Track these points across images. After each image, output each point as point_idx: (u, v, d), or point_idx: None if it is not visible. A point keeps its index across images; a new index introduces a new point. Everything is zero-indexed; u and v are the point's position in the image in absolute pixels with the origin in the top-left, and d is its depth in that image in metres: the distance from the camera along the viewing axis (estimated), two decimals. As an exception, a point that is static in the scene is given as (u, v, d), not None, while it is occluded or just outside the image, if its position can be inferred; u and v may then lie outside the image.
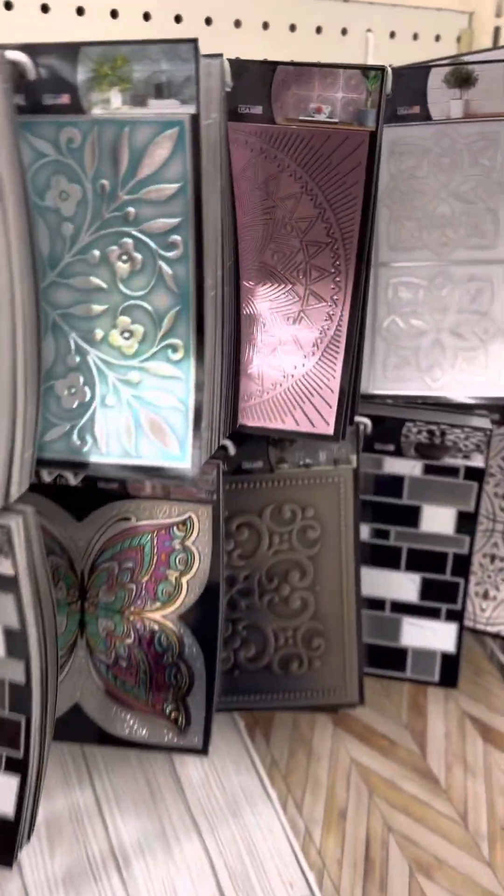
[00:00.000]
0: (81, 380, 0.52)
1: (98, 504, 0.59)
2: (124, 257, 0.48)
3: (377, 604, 0.72)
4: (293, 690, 0.67)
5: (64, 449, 0.53)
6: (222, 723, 0.75)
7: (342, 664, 0.66)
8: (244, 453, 0.62)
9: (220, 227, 0.51)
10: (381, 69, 0.52)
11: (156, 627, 0.62)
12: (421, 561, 0.70)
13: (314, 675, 0.66)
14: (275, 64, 0.52)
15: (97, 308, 0.50)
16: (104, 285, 0.49)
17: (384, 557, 0.71)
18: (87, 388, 0.52)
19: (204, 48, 0.45)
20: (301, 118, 0.53)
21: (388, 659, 0.73)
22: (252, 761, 0.72)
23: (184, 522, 0.59)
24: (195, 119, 0.45)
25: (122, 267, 0.49)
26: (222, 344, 0.55)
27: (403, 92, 0.58)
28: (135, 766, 0.69)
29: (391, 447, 0.67)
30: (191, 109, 0.45)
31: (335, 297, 0.57)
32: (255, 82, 0.52)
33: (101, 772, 0.68)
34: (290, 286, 0.57)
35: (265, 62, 0.52)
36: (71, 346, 0.51)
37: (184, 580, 0.61)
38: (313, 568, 0.65)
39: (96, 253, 0.49)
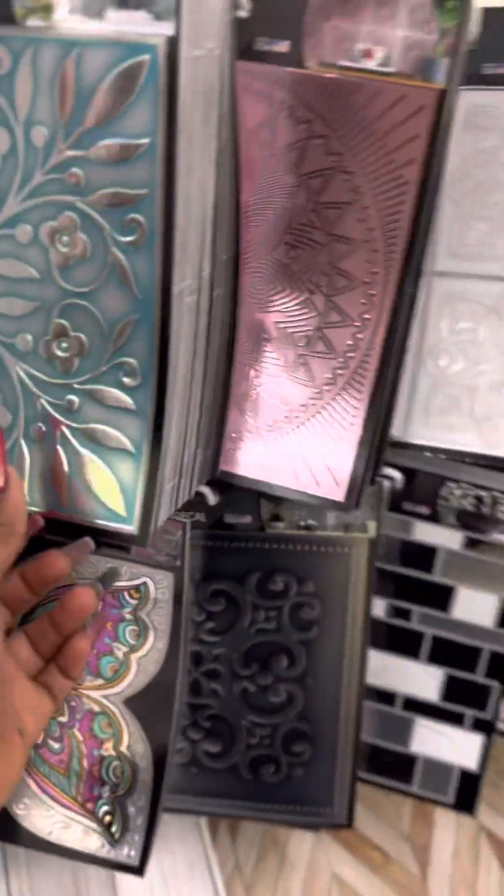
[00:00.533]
0: (0, 399, 0.38)
1: (33, 550, 0.46)
2: (65, 238, 0.35)
3: (386, 697, 0.58)
4: (264, 800, 0.53)
5: None
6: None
7: (330, 776, 0.53)
8: (229, 503, 0.48)
9: (208, 207, 0.37)
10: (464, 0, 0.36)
11: (96, 708, 0.49)
12: (447, 653, 0.56)
13: (292, 786, 0.53)
14: (311, -19, 0.37)
15: (25, 304, 0.36)
16: (35, 274, 0.36)
17: (401, 642, 0.56)
18: (7, 413, 0.38)
19: None
20: (342, 63, 0.38)
21: (391, 766, 0.59)
22: (209, 865, 0.59)
23: (137, 589, 0.46)
24: (173, 44, 0.30)
25: (61, 251, 0.35)
26: (205, 363, 0.41)
27: (494, 43, 0.43)
28: (62, 865, 0.57)
29: (425, 510, 0.52)
30: (167, 29, 0.30)
31: (365, 316, 0.42)
32: (282, 6, 0.37)
33: (20, 866, 0.56)
34: (307, 295, 0.42)
35: (298, -22, 0.37)
36: None
37: (133, 657, 0.47)
38: (305, 656, 0.50)
39: (27, 228, 0.35)
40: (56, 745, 0.50)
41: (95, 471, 0.38)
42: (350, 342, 0.42)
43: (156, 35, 0.30)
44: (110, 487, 0.38)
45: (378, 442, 0.45)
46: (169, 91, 0.31)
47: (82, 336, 0.36)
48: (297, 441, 0.44)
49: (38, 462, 0.38)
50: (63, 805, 0.51)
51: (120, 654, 0.47)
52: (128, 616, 0.46)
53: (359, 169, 0.39)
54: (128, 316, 0.35)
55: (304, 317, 0.43)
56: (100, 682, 0.48)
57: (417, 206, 0.39)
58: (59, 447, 0.38)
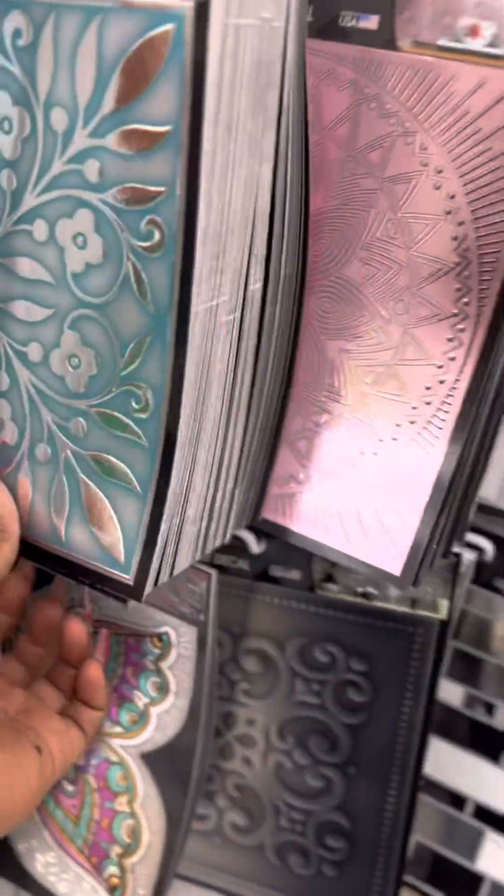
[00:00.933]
0: (10, 412, 0.34)
1: (51, 578, 0.43)
2: (80, 239, 0.30)
3: (455, 799, 0.49)
4: (289, 891, 0.47)
5: None
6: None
7: (366, 884, 0.45)
8: (277, 554, 0.42)
9: (260, 211, 0.31)
10: None
11: (113, 757, 0.45)
12: (533, 764, 0.46)
13: (322, 885, 0.46)
14: None
15: (39, 310, 0.32)
16: (50, 277, 0.31)
17: (481, 741, 0.48)
18: (14, 427, 0.35)
19: None
20: (441, 43, 0.31)
21: (451, 880, 0.50)
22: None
23: (160, 637, 0.41)
24: (202, 12, 0.25)
25: (77, 253, 0.30)
26: (251, 392, 0.35)
27: None
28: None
29: (518, 591, 0.44)
30: None
31: (450, 356, 0.34)
32: (372, -27, 0.31)
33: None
34: (381, 324, 0.36)
35: None
36: (1, 359, 0.34)
37: (153, 710, 0.42)
38: (350, 742, 0.43)
39: (43, 224, 0.31)
40: (70, 788, 0.46)
41: (97, 506, 0.33)
42: (428, 385, 0.35)
43: (178, 5, 0.25)
44: (111, 527, 0.33)
45: (456, 506, 0.37)
46: (195, 69, 0.25)
47: (93, 352, 0.31)
48: (353, 495, 0.37)
49: (41, 487, 0.34)
50: (68, 854, 0.47)
51: (140, 705, 0.43)
52: (150, 666, 0.42)
53: (454, 176, 0.32)
54: (141, 334, 0.30)
55: (376, 349, 0.36)
56: (118, 729, 0.43)
57: (525, 224, 0.31)
58: (62, 473, 0.33)
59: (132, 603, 0.40)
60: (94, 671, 0.40)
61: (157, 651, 0.41)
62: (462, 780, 0.49)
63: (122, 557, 0.33)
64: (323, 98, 0.33)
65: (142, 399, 0.31)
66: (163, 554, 0.34)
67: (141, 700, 0.43)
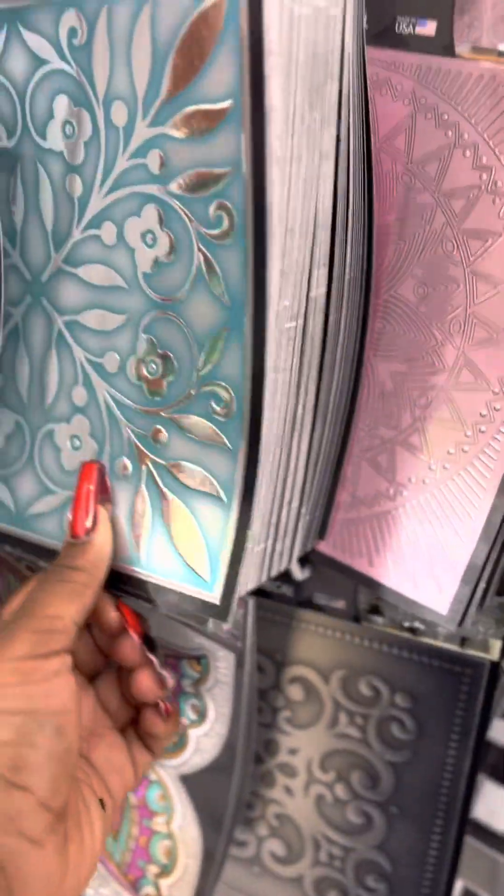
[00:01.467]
0: (89, 427, 0.34)
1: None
2: (149, 237, 0.29)
3: (501, 842, 0.47)
4: (327, 931, 0.45)
5: (53, 532, 0.36)
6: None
7: (408, 929, 0.43)
8: (321, 581, 0.40)
9: (321, 210, 0.29)
10: None
11: (152, 776, 0.44)
12: None
13: (361, 926, 0.44)
14: None
15: (114, 317, 0.32)
16: (122, 282, 0.31)
17: (533, 786, 0.45)
18: (94, 443, 0.34)
19: None
20: (502, 49, 0.29)
21: (501, 932, 0.47)
22: None
23: (198, 661, 0.40)
24: None
25: (147, 252, 0.30)
26: (315, 406, 0.34)
27: None
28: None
29: None
30: None
31: (507, 382, 0.32)
32: (431, -24, 0.29)
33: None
34: (435, 345, 0.34)
35: None
36: (78, 374, 0.34)
37: (192, 733, 0.42)
38: (393, 781, 0.41)
39: (111, 227, 0.30)
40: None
41: (180, 519, 0.32)
42: (483, 412, 0.33)
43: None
44: (195, 542, 0.31)
45: (509, 542, 0.35)
46: (252, 37, 0.24)
47: (170, 354, 0.30)
48: (399, 525, 0.35)
49: (122, 505, 0.34)
50: (112, 875, 0.47)
51: (179, 727, 0.42)
52: (188, 689, 0.41)
53: (516, 190, 0.30)
54: (217, 329, 0.28)
55: (426, 371, 0.34)
56: (156, 746, 0.43)
57: None
58: (143, 486, 0.33)
59: (171, 624, 0.39)
60: (157, 725, 0.36)
61: (195, 674, 0.40)
62: (515, 826, 0.46)
63: (207, 574, 0.32)
64: (379, 109, 0.32)
65: (222, 399, 0.29)
66: (243, 568, 0.32)
67: (180, 721, 0.42)
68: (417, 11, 0.29)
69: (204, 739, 0.41)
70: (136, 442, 0.33)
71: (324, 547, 0.37)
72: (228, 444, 0.30)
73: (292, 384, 0.31)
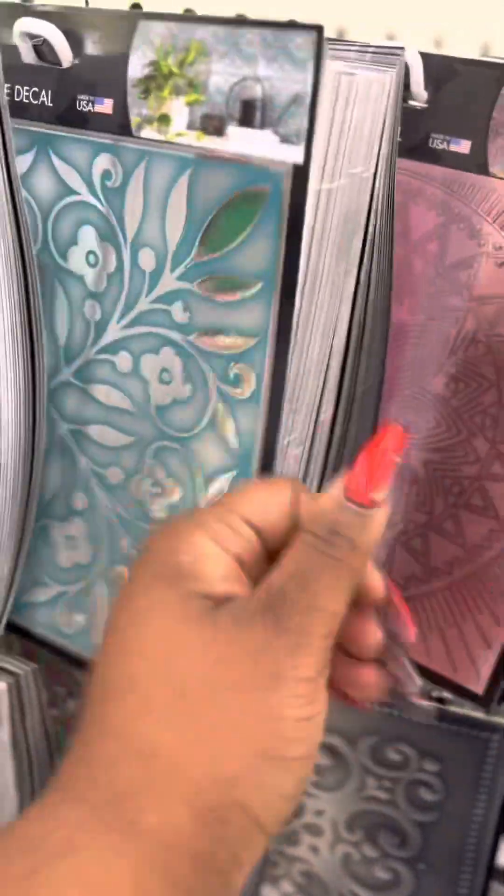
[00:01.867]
0: (85, 530, 0.35)
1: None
2: (165, 375, 0.30)
3: (522, 888, 0.49)
4: None
5: (44, 621, 0.37)
6: None
7: None
8: (350, 652, 0.42)
9: (336, 346, 0.30)
10: None
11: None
12: None
13: None
14: (506, 69, 0.29)
15: (119, 436, 0.32)
16: (132, 407, 0.31)
17: (549, 831, 0.47)
18: (90, 546, 0.35)
19: (371, 29, 0.25)
20: (537, 171, 0.30)
21: None
22: None
23: None
24: (299, 175, 0.25)
25: (161, 387, 0.30)
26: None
27: None
28: None
29: None
30: (295, 156, 0.24)
31: (538, 474, 0.34)
32: (465, 98, 0.30)
33: None
34: (467, 436, 0.35)
35: (490, 63, 0.29)
36: (78, 479, 0.34)
37: None
38: (420, 839, 0.43)
39: (127, 357, 0.31)
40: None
41: None
42: (515, 500, 0.35)
43: (280, 161, 0.25)
44: None
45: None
46: (291, 229, 0.25)
47: (175, 483, 0.31)
48: (435, 608, 0.37)
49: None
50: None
51: None
52: None
53: (547, 298, 0.31)
54: (224, 471, 0.30)
55: (461, 462, 0.36)
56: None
57: None
58: None
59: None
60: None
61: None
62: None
63: None
64: (411, 215, 0.33)
65: None
66: None
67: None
68: (452, 131, 0.31)
69: None
70: (133, 553, 0.33)
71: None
72: None
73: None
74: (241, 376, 0.28)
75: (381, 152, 0.27)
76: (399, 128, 0.27)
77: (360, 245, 0.29)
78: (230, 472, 0.30)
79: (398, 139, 0.28)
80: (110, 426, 0.32)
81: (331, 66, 0.24)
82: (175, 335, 0.29)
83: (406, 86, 0.30)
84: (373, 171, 0.27)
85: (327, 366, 0.30)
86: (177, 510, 0.32)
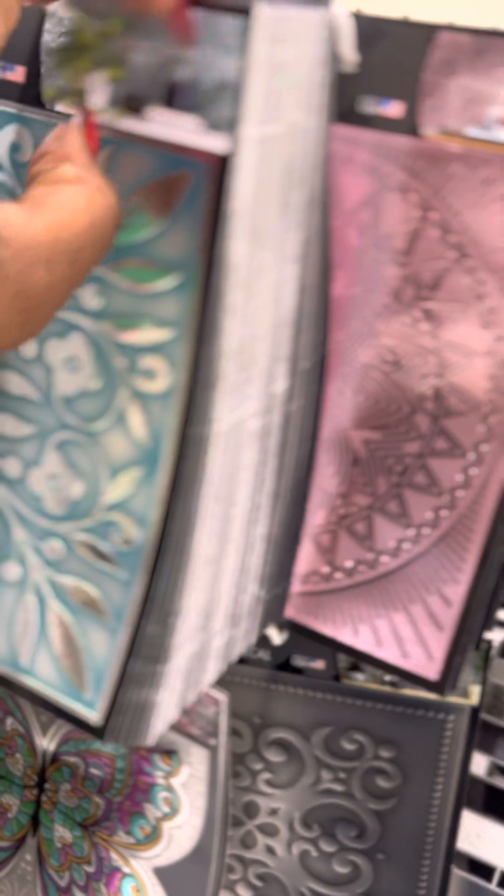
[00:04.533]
0: None
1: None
2: (73, 363, 0.29)
3: (481, 869, 0.50)
4: None
5: None
6: None
7: None
8: (297, 643, 0.42)
9: (286, 312, 0.30)
10: None
11: (125, 869, 0.44)
12: None
13: None
14: (434, 28, 0.29)
15: (18, 425, 0.31)
16: (34, 395, 0.30)
17: (506, 809, 0.49)
18: None
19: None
20: (469, 133, 0.31)
21: None
22: None
23: (169, 754, 0.40)
24: (222, 166, 0.24)
25: (67, 376, 0.29)
26: (276, 490, 0.35)
27: None
28: None
29: (547, 664, 0.44)
30: (218, 146, 0.24)
31: (482, 448, 0.34)
32: (396, 59, 0.30)
33: None
34: (408, 413, 0.35)
35: (417, 24, 0.29)
36: None
37: (165, 826, 0.42)
38: (378, 828, 0.44)
39: (31, 341, 0.30)
40: (80, 895, 0.46)
41: (65, 636, 0.32)
42: (460, 477, 0.35)
43: (204, 150, 0.24)
44: (78, 660, 0.32)
45: (489, 599, 0.37)
46: (214, 217, 0.24)
47: (76, 477, 0.30)
48: (383, 594, 0.37)
49: (6, 607, 0.33)
50: None
51: (152, 819, 0.43)
52: (160, 781, 0.41)
53: (486, 267, 0.32)
54: (131, 466, 0.29)
55: (403, 439, 0.36)
56: (131, 840, 0.43)
57: None
58: (29, 595, 0.33)
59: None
60: None
61: (166, 767, 0.41)
62: (488, 849, 0.50)
63: (90, 694, 0.32)
64: (343, 183, 0.33)
65: (123, 529, 0.30)
66: (188, 678, 0.33)
67: (153, 814, 0.42)
68: (382, 92, 0.30)
69: (178, 832, 0.42)
70: (28, 550, 0.33)
71: (305, 618, 0.39)
72: (125, 577, 0.30)
73: (254, 477, 0.33)
74: (154, 371, 0.27)
75: (318, 101, 0.27)
76: (335, 78, 0.27)
77: (303, 200, 0.28)
78: (137, 467, 0.29)
79: (335, 93, 0.28)
80: (10, 413, 0.31)
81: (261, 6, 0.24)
82: (84, 321, 0.28)
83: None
84: (311, 121, 0.27)
85: (276, 338, 0.30)
86: (78, 506, 0.31)
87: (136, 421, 0.28)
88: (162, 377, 0.27)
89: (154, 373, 0.27)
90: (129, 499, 0.30)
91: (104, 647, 0.31)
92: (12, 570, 0.33)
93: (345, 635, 0.38)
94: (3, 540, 0.33)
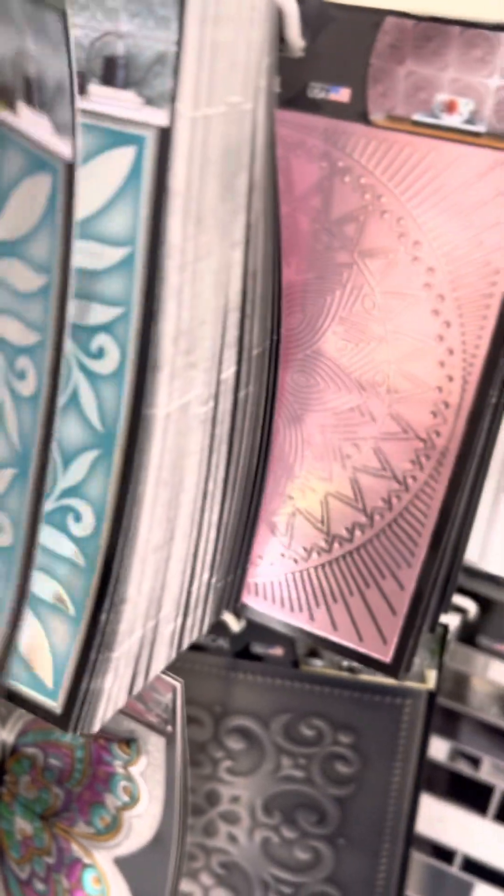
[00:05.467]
0: None
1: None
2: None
3: (442, 853, 0.51)
4: None
5: None
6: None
7: None
8: (256, 631, 0.42)
9: (232, 297, 0.31)
10: None
11: (86, 860, 0.45)
12: (523, 814, 0.48)
13: None
14: (381, 13, 0.30)
15: None
16: None
17: (466, 794, 0.49)
18: None
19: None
20: (417, 118, 0.31)
21: (444, 934, 0.52)
22: None
23: (127, 744, 0.41)
24: (164, 138, 0.24)
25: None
26: (226, 477, 0.35)
27: None
28: None
29: (503, 648, 0.45)
30: (160, 118, 0.24)
31: (435, 430, 0.35)
32: (343, 45, 0.31)
33: None
34: (360, 398, 0.36)
35: (365, 9, 0.30)
36: None
37: (125, 815, 0.43)
38: (339, 814, 0.45)
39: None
40: (41, 886, 0.46)
41: (27, 625, 0.32)
42: (412, 459, 0.36)
43: (144, 123, 0.24)
44: (41, 651, 0.32)
45: (444, 582, 0.38)
46: (156, 195, 0.25)
47: None
48: (338, 578, 0.38)
49: None
50: None
51: (112, 809, 0.43)
52: (119, 770, 0.42)
53: (434, 251, 0.32)
54: (85, 451, 0.29)
55: (356, 423, 0.36)
56: (91, 831, 0.43)
57: (508, 304, 0.32)
58: None
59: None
60: None
61: (125, 756, 0.41)
62: (450, 833, 0.50)
63: (50, 682, 0.33)
64: (293, 169, 0.33)
65: (81, 516, 0.30)
66: (136, 665, 0.34)
67: (113, 803, 0.43)
68: (331, 79, 0.31)
69: (137, 821, 0.42)
70: None
71: (261, 604, 0.39)
72: (83, 563, 0.31)
73: (203, 462, 0.33)
74: (104, 350, 0.28)
75: (259, 84, 0.27)
76: (276, 59, 0.28)
77: (245, 184, 0.29)
78: (92, 450, 0.29)
79: (276, 75, 0.28)
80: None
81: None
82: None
83: (281, 37, 0.31)
84: (251, 104, 0.27)
85: (225, 317, 0.30)
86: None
87: (87, 404, 0.29)
88: (110, 357, 0.27)
89: (104, 352, 0.27)
90: (85, 484, 0.30)
91: (66, 638, 0.31)
92: None
93: (301, 619, 0.38)
94: None
